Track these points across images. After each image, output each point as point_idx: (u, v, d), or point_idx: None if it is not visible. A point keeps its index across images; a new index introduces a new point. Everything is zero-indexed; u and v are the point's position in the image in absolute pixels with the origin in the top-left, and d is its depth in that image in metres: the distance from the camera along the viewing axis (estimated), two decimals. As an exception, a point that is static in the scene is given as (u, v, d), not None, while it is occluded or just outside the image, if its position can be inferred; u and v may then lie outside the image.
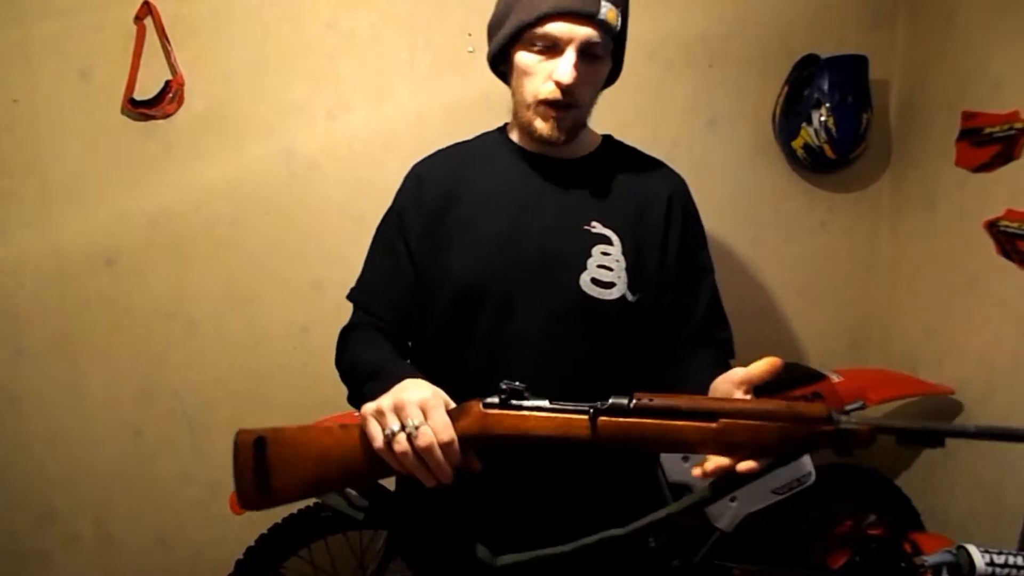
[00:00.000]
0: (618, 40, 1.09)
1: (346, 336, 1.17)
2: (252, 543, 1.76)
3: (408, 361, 1.15)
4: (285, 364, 2.03)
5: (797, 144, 2.09)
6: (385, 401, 0.83)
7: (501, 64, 1.14)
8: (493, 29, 1.12)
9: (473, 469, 0.85)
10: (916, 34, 2.13)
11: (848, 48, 2.06)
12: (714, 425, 0.79)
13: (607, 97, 2.07)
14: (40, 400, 1.95)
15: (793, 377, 1.87)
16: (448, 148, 1.23)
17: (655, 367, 1.15)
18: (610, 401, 0.81)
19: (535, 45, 1.03)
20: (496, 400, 0.84)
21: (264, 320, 2.01)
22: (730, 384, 0.87)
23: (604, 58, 1.07)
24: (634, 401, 0.81)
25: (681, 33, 2.09)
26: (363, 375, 1.01)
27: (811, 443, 0.78)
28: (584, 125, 1.14)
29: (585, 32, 1.00)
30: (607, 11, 1.00)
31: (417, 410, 0.81)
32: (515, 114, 1.14)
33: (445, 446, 0.81)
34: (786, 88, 2.11)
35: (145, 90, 1.83)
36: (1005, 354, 1.86)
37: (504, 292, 1.06)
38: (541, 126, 1.07)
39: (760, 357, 0.85)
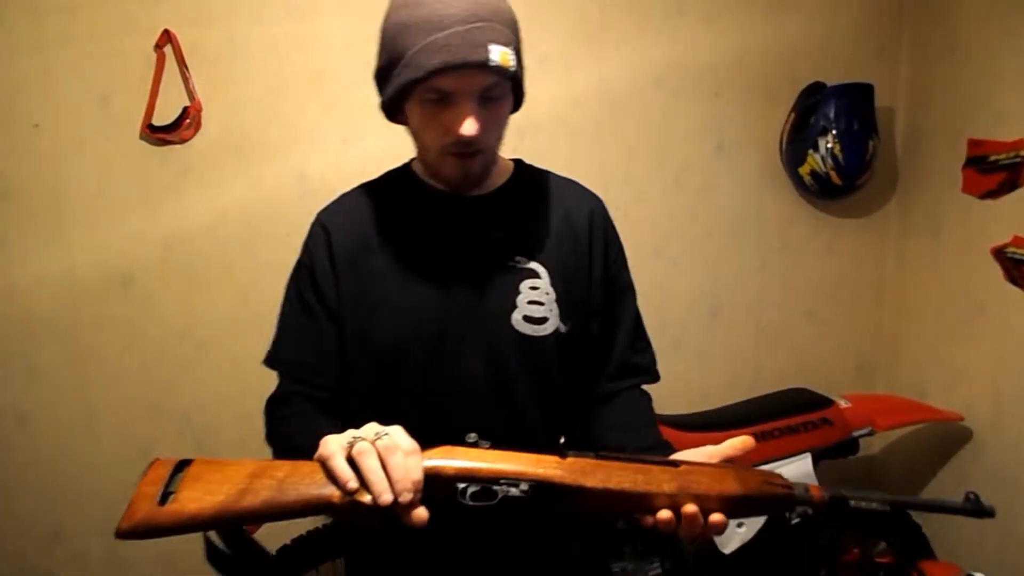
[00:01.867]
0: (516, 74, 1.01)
1: (277, 409, 1.07)
2: (259, 565, 1.76)
3: None
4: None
5: (804, 170, 2.11)
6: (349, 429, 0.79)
7: (396, 112, 1.07)
8: (380, 81, 1.05)
9: (421, 520, 0.74)
10: (920, 63, 2.16)
11: (852, 76, 2.09)
12: (679, 468, 0.80)
13: (613, 122, 2.13)
14: (50, 419, 1.97)
15: (801, 403, 1.88)
16: (353, 191, 1.17)
17: (584, 406, 1.13)
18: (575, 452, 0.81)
19: (428, 98, 0.96)
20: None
21: (275, 341, 2.03)
22: (702, 458, 0.85)
23: (504, 97, 1.01)
24: (602, 453, 0.81)
25: (688, 61, 2.12)
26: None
27: (770, 501, 0.78)
28: (494, 163, 1.09)
29: (478, 82, 0.94)
30: (498, 55, 0.93)
31: (383, 428, 0.78)
32: (421, 158, 1.10)
33: (410, 455, 0.75)
34: (792, 115, 2.14)
35: (164, 116, 1.87)
36: (1013, 380, 1.86)
37: (437, 341, 1.03)
38: (450, 173, 1.02)
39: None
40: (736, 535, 1.72)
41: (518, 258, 1.06)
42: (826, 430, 1.81)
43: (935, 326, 2.14)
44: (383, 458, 0.73)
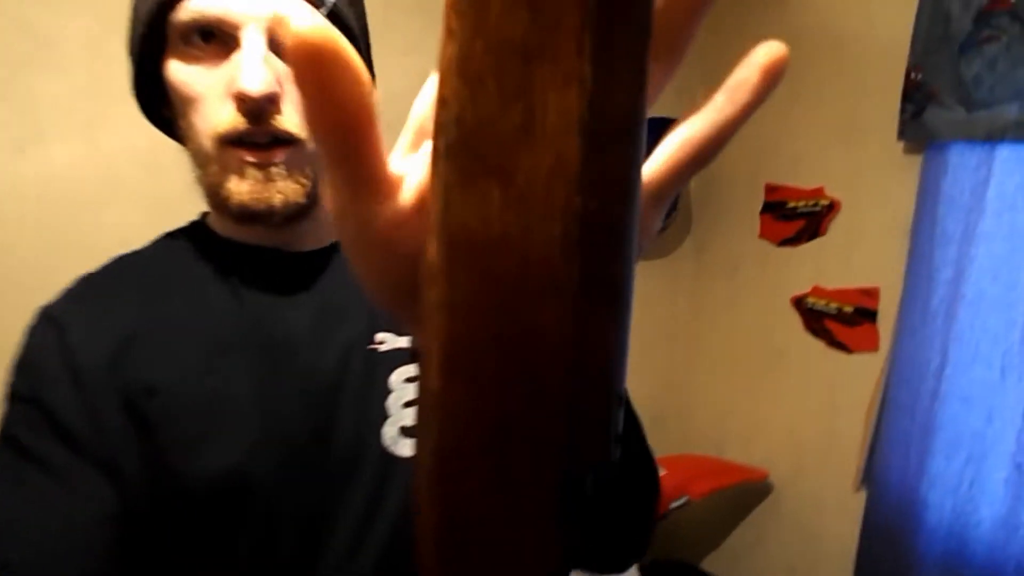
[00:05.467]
0: (352, 35, 0.63)
1: None
2: None
3: None
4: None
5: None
6: None
7: (160, 106, 0.64)
8: (130, 51, 0.63)
9: None
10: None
11: (650, 112, 1.96)
12: None
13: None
14: None
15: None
16: (100, 269, 0.67)
17: None
18: None
19: (190, 45, 0.57)
20: None
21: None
22: None
23: None
24: None
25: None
26: None
27: None
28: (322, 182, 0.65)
29: (265, 6, 0.56)
30: None
31: None
32: (200, 182, 0.63)
33: None
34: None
35: None
36: (814, 433, 1.81)
37: (269, 491, 0.59)
38: (237, 187, 0.58)
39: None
40: None
41: (379, 336, 0.64)
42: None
43: (731, 375, 2.06)
44: None
